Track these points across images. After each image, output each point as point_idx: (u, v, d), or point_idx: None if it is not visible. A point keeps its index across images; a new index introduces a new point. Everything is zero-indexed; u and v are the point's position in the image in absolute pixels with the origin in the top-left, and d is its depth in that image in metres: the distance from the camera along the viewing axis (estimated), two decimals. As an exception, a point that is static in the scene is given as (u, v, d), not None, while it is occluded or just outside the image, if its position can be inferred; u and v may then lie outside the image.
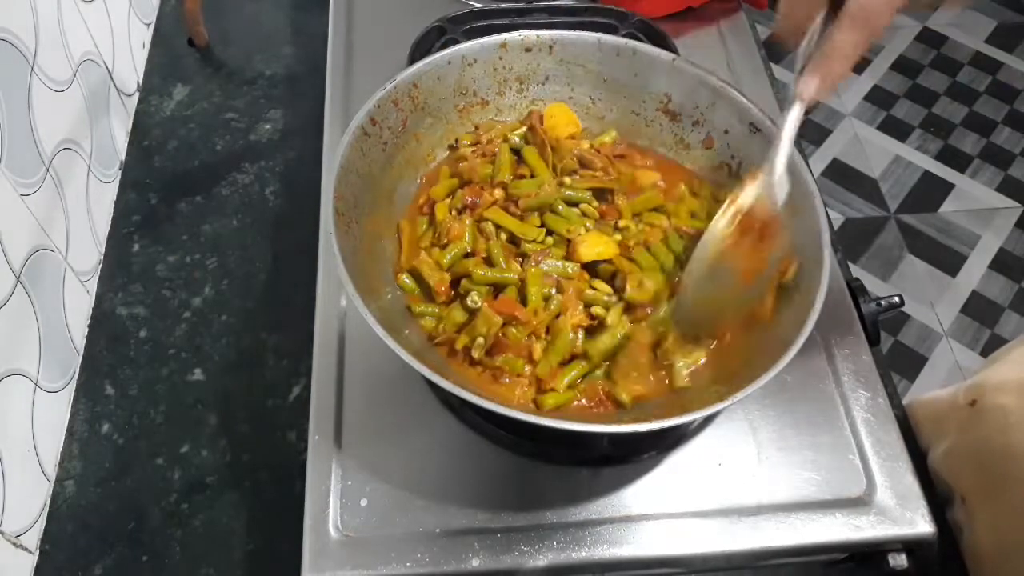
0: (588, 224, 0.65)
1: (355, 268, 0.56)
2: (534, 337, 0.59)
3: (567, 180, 0.67)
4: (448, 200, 0.67)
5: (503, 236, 0.64)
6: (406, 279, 0.63)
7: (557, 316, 0.60)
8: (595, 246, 0.63)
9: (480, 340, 0.58)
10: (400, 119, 0.67)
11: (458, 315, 0.60)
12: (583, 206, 0.66)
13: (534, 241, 0.63)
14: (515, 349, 0.58)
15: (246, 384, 0.74)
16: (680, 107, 0.71)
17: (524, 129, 0.70)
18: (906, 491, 0.61)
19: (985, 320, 1.89)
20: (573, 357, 0.60)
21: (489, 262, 0.62)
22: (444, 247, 0.63)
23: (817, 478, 0.62)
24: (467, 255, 0.63)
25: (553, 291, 0.61)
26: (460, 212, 0.65)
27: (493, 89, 0.73)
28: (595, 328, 0.60)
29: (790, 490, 0.61)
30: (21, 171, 0.66)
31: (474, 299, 0.60)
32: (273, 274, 0.81)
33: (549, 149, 0.68)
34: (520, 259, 0.63)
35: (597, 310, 0.60)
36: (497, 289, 0.61)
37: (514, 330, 0.58)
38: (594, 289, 0.62)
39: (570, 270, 0.62)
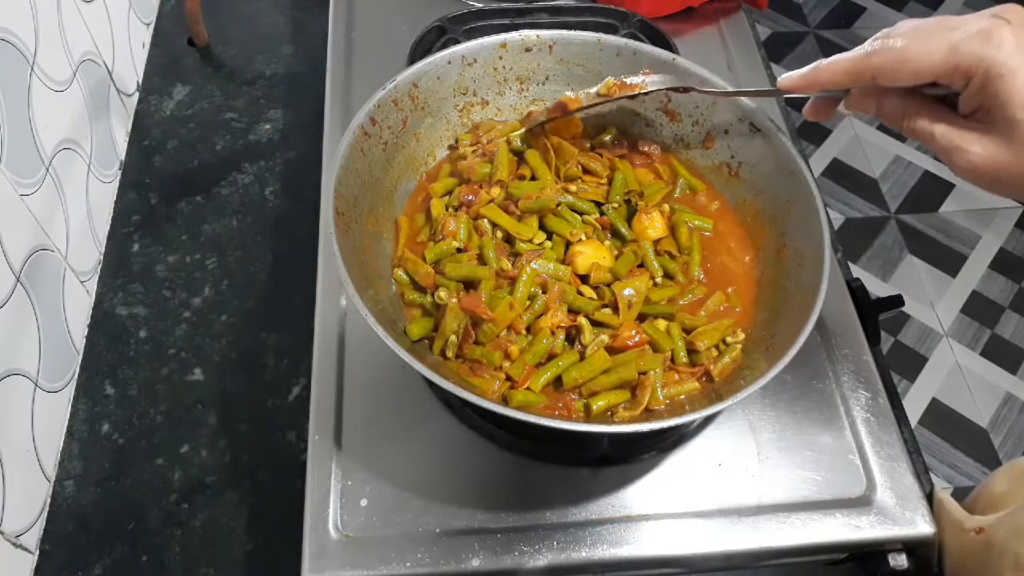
0: (588, 232, 0.65)
1: (355, 268, 0.56)
2: (514, 333, 0.59)
3: (572, 187, 0.67)
4: (445, 197, 0.67)
5: (499, 235, 0.64)
6: (401, 274, 0.63)
7: (539, 316, 0.60)
8: (592, 258, 0.62)
9: (453, 338, 0.58)
10: (400, 119, 0.67)
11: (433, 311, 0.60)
12: (586, 217, 0.66)
13: (529, 241, 0.63)
14: (492, 344, 0.58)
15: (246, 384, 0.74)
16: (680, 107, 0.71)
17: (526, 130, 0.70)
18: (906, 491, 0.61)
19: (985, 320, 1.89)
20: (550, 358, 0.59)
21: (482, 259, 0.62)
22: (438, 243, 0.63)
23: (817, 478, 0.62)
24: (459, 251, 0.63)
25: (540, 291, 0.61)
26: (456, 209, 0.65)
27: (493, 89, 0.73)
28: (572, 335, 0.60)
29: (790, 490, 0.61)
30: (21, 171, 0.66)
31: (441, 296, 0.60)
32: (273, 274, 0.81)
33: (552, 152, 0.68)
34: (512, 258, 0.63)
35: (581, 320, 0.60)
36: (469, 286, 0.61)
37: (487, 327, 0.58)
38: (581, 294, 0.62)
39: (561, 273, 0.62)
